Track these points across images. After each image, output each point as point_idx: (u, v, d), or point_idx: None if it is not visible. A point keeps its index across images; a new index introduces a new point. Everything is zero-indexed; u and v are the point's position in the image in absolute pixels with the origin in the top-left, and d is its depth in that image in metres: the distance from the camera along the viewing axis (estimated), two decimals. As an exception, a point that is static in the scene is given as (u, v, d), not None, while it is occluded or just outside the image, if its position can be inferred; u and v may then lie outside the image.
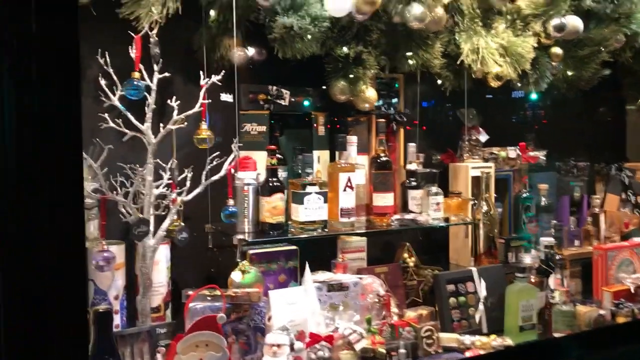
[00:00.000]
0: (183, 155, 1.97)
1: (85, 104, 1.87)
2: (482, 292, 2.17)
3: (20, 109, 0.97)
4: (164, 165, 1.82)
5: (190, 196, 1.85)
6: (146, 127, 1.73)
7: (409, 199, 2.29)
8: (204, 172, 1.88)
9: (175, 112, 1.77)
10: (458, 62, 2.27)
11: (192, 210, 2.03)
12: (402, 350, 1.88)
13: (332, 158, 2.21)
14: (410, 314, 2.15)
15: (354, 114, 2.28)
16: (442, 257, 2.54)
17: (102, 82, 1.72)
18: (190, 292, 1.76)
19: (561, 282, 2.25)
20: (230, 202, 1.95)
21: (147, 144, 1.74)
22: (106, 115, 1.72)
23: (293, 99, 2.18)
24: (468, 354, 1.94)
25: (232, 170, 1.98)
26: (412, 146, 2.33)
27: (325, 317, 1.83)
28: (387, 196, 2.21)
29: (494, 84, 2.36)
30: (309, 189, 1.99)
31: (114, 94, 1.72)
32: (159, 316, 1.88)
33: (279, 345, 1.66)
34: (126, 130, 1.72)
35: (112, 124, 1.71)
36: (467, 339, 2.01)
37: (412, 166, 2.31)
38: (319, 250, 2.11)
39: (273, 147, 2.02)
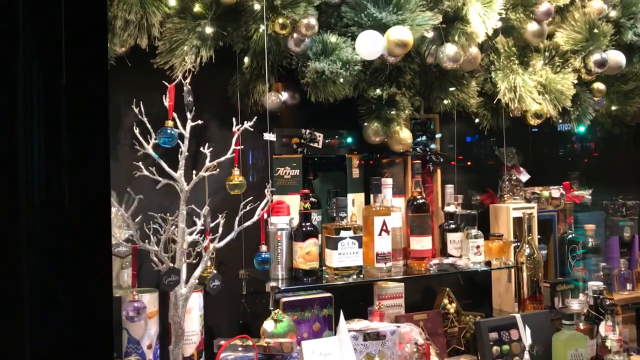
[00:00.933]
0: (217, 200, 1.97)
1: (121, 152, 1.92)
2: (528, 340, 2.07)
3: (50, 156, 0.96)
4: (198, 211, 1.81)
5: (222, 242, 1.83)
6: (179, 174, 1.74)
7: (447, 242, 2.22)
8: (237, 218, 1.87)
9: (208, 159, 1.77)
10: (494, 102, 2.21)
11: (225, 256, 2.02)
12: (442, 404, 1.79)
13: (367, 201, 2.17)
14: (451, 363, 2.06)
15: (389, 155, 2.25)
16: (485, 302, 2.45)
17: (137, 130, 1.74)
18: (222, 342, 1.72)
19: (613, 329, 2.12)
20: (263, 247, 1.92)
21: (180, 191, 1.74)
22: (140, 163, 1.74)
23: (327, 142, 2.16)
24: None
25: (265, 215, 1.96)
26: (449, 187, 2.27)
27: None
28: (425, 240, 2.15)
29: (533, 122, 2.29)
30: (343, 233, 1.95)
31: (149, 143, 1.73)
32: (192, 365, 1.84)
33: (312, 399, 1.60)
34: (159, 178, 1.73)
35: (145, 172, 1.72)
36: (513, 391, 1.91)
37: (451, 208, 2.25)
38: (355, 297, 2.05)
39: (306, 190, 1.99)
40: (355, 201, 2.15)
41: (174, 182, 1.75)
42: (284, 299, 1.88)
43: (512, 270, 2.28)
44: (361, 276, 1.97)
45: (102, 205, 1.00)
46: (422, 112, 2.32)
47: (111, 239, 1.07)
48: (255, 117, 1.91)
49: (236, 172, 1.85)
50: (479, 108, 2.36)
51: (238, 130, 1.83)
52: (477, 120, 2.42)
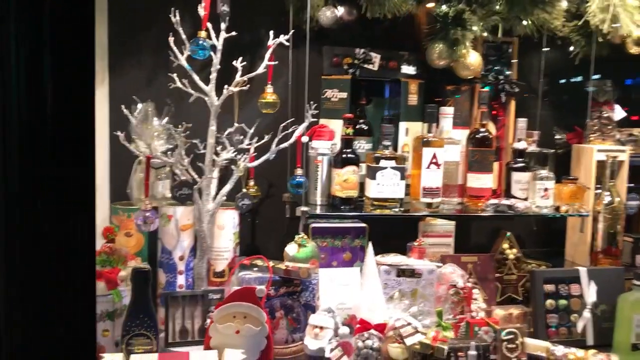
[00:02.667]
0: (268, 119, 1.89)
1: (158, 63, 1.90)
2: (591, 297, 1.83)
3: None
4: (247, 130, 1.74)
5: (256, 162, 1.78)
6: (210, 88, 1.69)
7: (512, 182, 2.00)
8: (276, 139, 1.80)
9: (239, 73, 1.70)
10: (580, 23, 1.90)
11: (273, 179, 1.97)
12: (472, 352, 1.65)
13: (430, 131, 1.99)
14: (499, 312, 1.89)
15: (454, 82, 2.03)
16: (559, 252, 2.20)
17: (171, 40, 1.69)
18: (246, 261, 1.70)
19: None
20: (299, 171, 1.85)
21: (210, 106, 1.70)
22: (175, 75, 1.71)
23: (383, 64, 1.99)
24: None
25: (307, 139, 1.87)
26: (521, 121, 2.01)
27: (380, 304, 1.65)
28: (484, 177, 1.94)
29: (634, 50, 1.94)
30: (383, 163, 1.81)
31: (183, 54, 1.69)
32: (222, 281, 1.85)
33: (321, 328, 1.54)
34: (191, 91, 1.69)
35: (179, 84, 1.69)
36: (560, 350, 1.70)
37: (520, 144, 2.01)
38: (396, 232, 1.92)
39: (350, 115, 1.86)
40: (409, 130, 1.99)
41: (205, 96, 1.70)
42: (314, 225, 1.81)
43: (587, 219, 2.01)
44: (401, 209, 1.83)
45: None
46: (500, 34, 2.05)
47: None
48: (292, 31, 1.78)
49: (269, 89, 1.76)
50: (571, 32, 2.04)
51: (273, 44, 1.72)
52: (571, 48, 2.10)
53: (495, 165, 2.04)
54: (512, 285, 2.02)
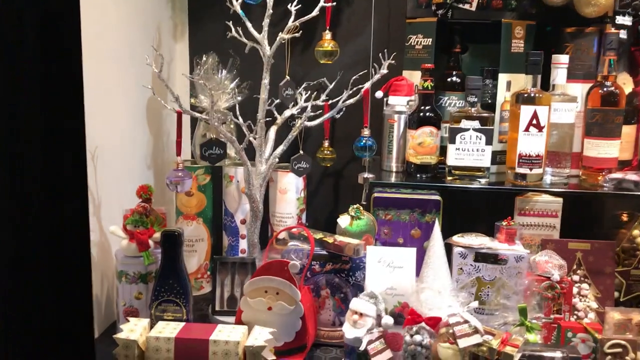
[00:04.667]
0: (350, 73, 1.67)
1: (213, 11, 1.76)
2: None
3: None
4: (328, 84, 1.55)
5: (316, 121, 1.58)
6: (262, 36, 1.51)
7: (648, 151, 1.55)
8: (344, 95, 1.58)
9: (292, 18, 1.49)
10: None
11: (347, 140, 1.76)
12: (556, 364, 1.31)
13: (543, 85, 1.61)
14: (615, 315, 1.49)
15: (575, 23, 1.61)
16: None
17: (227, -14, 1.54)
18: (294, 229, 1.53)
19: None
20: (365, 132, 1.61)
21: (263, 56, 1.52)
22: (230, 23, 1.56)
23: (484, 2, 1.63)
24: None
25: (381, 94, 1.62)
26: (666, 72, 1.54)
27: (445, 294, 1.37)
28: (607, 144, 1.53)
29: None
30: (465, 123, 1.49)
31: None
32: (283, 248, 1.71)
33: (360, 314, 1.32)
34: (244, 40, 1.53)
35: (233, 33, 1.55)
36: (687, 376, 1.29)
37: (662, 102, 1.54)
38: (487, 209, 1.60)
39: (429, 65, 1.56)
40: (512, 84, 1.62)
41: (258, 46, 1.53)
42: (376, 194, 1.56)
43: None
44: (487, 180, 1.51)
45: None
46: (645, -42, 1.57)
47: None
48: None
49: (327, 36, 1.53)
50: None
51: (331, -18, 1.48)
52: None
53: (630, 129, 1.60)
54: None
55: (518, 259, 1.46)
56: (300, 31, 1.50)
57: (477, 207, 1.69)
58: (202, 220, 1.73)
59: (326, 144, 1.77)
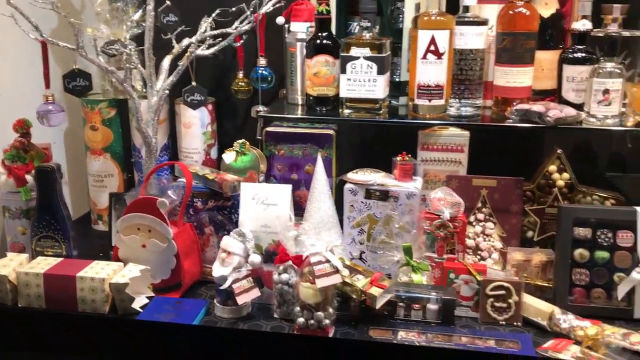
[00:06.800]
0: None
1: None
2: (650, 253, 1.26)
3: None
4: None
5: (210, 51, 1.50)
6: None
7: (563, 79, 1.42)
8: (237, 22, 1.49)
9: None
10: None
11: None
12: (431, 307, 1.25)
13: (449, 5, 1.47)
14: (516, 255, 1.41)
15: None
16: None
17: None
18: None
19: None
20: (261, 61, 1.52)
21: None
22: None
23: None
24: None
25: (282, 20, 1.52)
26: (587, -11, 1.38)
27: (329, 232, 1.31)
28: (517, 72, 1.40)
29: None
30: (354, 51, 1.38)
31: None
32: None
33: (228, 253, 1.28)
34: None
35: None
36: (568, 320, 1.21)
37: (580, 24, 1.39)
38: (391, 143, 1.50)
39: (325, -14, 1.44)
40: (422, 6, 1.49)
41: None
42: (268, 129, 1.49)
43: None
44: (378, 113, 1.41)
45: None
46: None
47: None
48: None
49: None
50: None
51: None
52: None
53: (553, 55, 1.45)
54: (556, 222, 1.49)
55: (409, 196, 1.38)
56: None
57: (381, 142, 1.59)
58: (109, 155, 1.70)
59: (240, 74, 1.68)
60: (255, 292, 1.27)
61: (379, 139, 1.61)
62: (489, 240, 1.47)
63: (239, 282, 1.27)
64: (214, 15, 1.54)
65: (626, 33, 1.38)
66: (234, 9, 1.58)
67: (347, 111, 1.44)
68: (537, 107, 1.37)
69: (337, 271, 1.20)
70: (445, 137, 1.48)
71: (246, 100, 1.72)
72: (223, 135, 1.74)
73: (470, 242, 1.47)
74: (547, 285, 1.36)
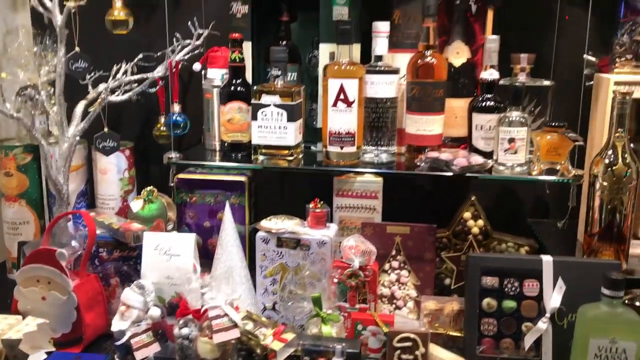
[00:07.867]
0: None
1: None
2: (555, 301, 1.25)
3: None
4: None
5: (124, 97, 1.48)
6: (52, 4, 1.40)
7: (473, 127, 1.43)
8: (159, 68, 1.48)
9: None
10: None
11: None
12: None
13: (365, 55, 1.49)
14: (429, 305, 1.39)
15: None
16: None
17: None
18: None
19: None
20: (176, 107, 1.51)
21: (55, 26, 1.42)
22: (29, -8, 1.45)
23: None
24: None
25: (199, 67, 1.52)
26: (492, 40, 1.40)
27: (236, 283, 1.28)
28: (426, 120, 1.41)
29: None
30: (265, 99, 1.38)
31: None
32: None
33: (127, 306, 1.24)
34: (41, 9, 1.43)
35: (33, 2, 1.44)
36: (475, 373, 1.19)
37: (487, 74, 1.41)
38: (310, 189, 1.49)
39: (237, 35, 1.44)
40: (341, 56, 1.50)
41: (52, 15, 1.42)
42: (180, 176, 1.47)
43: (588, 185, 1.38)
44: (289, 159, 1.40)
45: None
46: None
47: None
48: None
49: (118, 2, 1.41)
50: None
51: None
52: None
53: (465, 103, 1.47)
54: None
55: (320, 244, 1.36)
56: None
57: (298, 187, 1.58)
58: (25, 202, 1.65)
59: (162, 119, 1.67)
60: (155, 347, 1.23)
61: (295, 184, 1.60)
62: (404, 289, 1.45)
63: (138, 336, 1.22)
64: (136, 60, 1.53)
65: (531, 83, 1.41)
66: (159, 53, 1.58)
67: (261, 157, 1.43)
68: (445, 155, 1.37)
69: (235, 326, 1.17)
70: (359, 183, 1.47)
71: (169, 145, 1.71)
72: (144, 182, 1.71)
73: (385, 291, 1.45)
74: (459, 335, 1.34)
